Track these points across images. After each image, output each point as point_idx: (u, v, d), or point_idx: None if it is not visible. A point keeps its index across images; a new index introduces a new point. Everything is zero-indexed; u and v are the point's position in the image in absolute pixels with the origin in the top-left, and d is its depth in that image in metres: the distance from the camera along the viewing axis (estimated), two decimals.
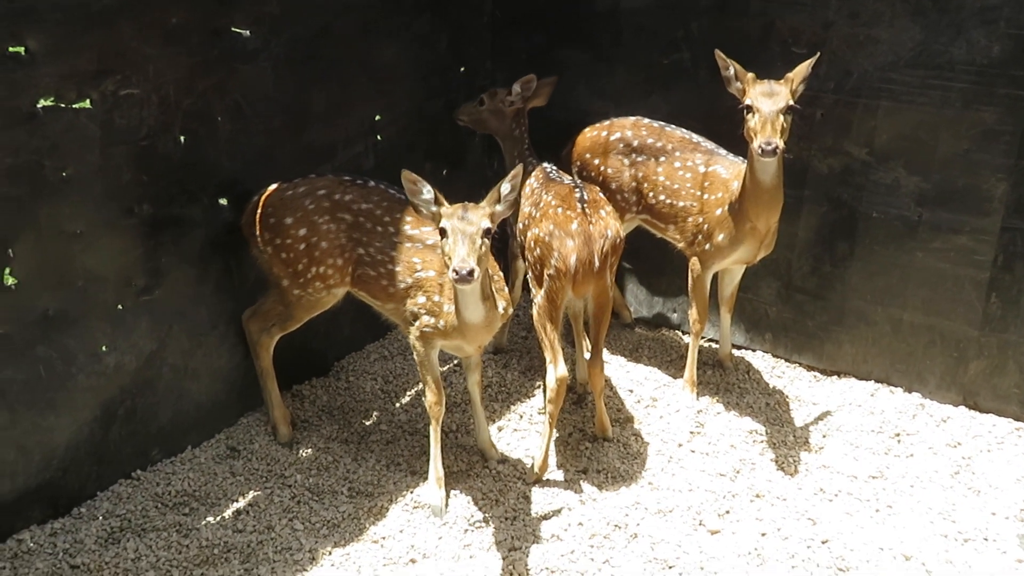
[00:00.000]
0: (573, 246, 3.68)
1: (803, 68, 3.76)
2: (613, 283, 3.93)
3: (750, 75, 3.74)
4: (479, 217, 3.14)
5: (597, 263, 3.70)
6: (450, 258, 3.08)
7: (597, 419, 4.08)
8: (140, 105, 3.48)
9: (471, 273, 3.01)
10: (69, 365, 3.45)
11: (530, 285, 3.96)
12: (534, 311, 3.84)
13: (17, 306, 3.26)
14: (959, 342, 4.26)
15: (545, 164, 4.28)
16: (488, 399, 4.37)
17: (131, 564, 3.30)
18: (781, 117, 3.65)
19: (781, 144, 3.64)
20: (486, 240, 3.14)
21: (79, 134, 3.32)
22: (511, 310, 3.69)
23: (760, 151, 3.62)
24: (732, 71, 3.79)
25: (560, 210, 3.78)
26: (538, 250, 3.78)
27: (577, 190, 3.90)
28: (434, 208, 3.21)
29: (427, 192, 3.21)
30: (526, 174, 4.26)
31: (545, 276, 3.75)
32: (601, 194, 4.03)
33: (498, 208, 3.24)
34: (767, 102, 3.65)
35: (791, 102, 3.67)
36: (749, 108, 3.70)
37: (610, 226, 3.79)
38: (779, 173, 3.85)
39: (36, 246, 3.27)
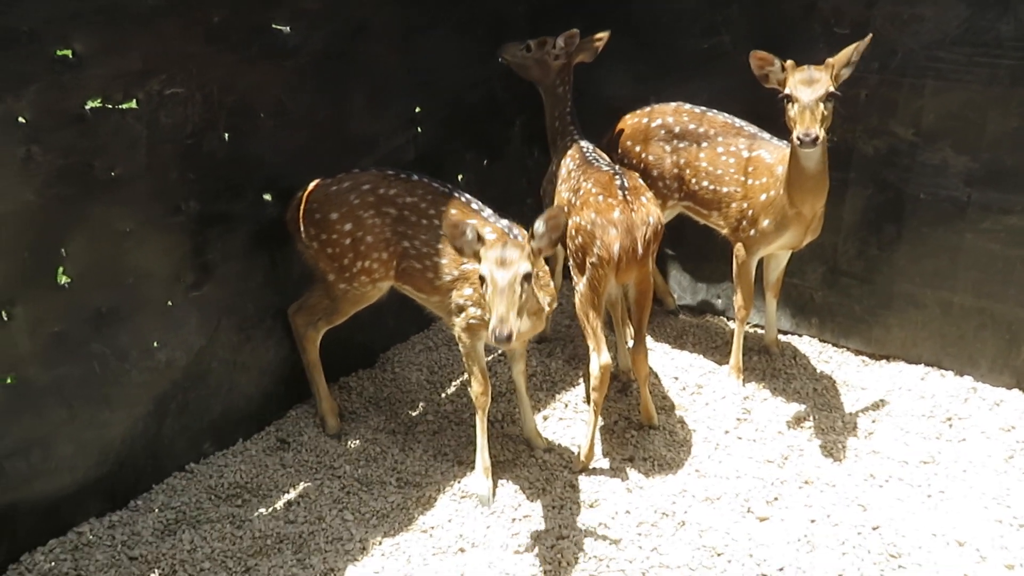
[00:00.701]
0: (616, 235, 3.67)
1: (846, 53, 3.68)
2: (655, 269, 3.92)
3: (789, 63, 3.68)
4: (518, 259, 3.09)
5: (640, 251, 3.69)
6: (489, 312, 3.09)
7: (642, 407, 4.08)
8: (185, 104, 3.53)
9: (510, 336, 2.98)
10: (122, 361, 3.52)
11: (571, 273, 3.94)
12: (576, 300, 3.84)
13: (71, 304, 3.33)
14: (1011, 324, 4.18)
15: (583, 143, 4.23)
16: (533, 388, 4.39)
17: (187, 555, 3.37)
18: (822, 105, 3.60)
19: (821, 134, 3.59)
20: (526, 285, 3.10)
21: (126, 134, 3.38)
22: (555, 304, 3.67)
23: (799, 142, 3.58)
24: (776, 66, 3.72)
25: (601, 198, 3.77)
26: (580, 239, 3.77)
27: (617, 176, 3.87)
28: (477, 247, 3.17)
29: (469, 233, 3.16)
30: (564, 149, 4.26)
31: (587, 264, 3.74)
32: (640, 180, 4.01)
33: (535, 245, 3.19)
34: (806, 91, 3.60)
35: (832, 89, 3.62)
36: (789, 97, 3.65)
37: (651, 212, 3.77)
38: (823, 159, 3.80)
39: (88, 245, 3.34)
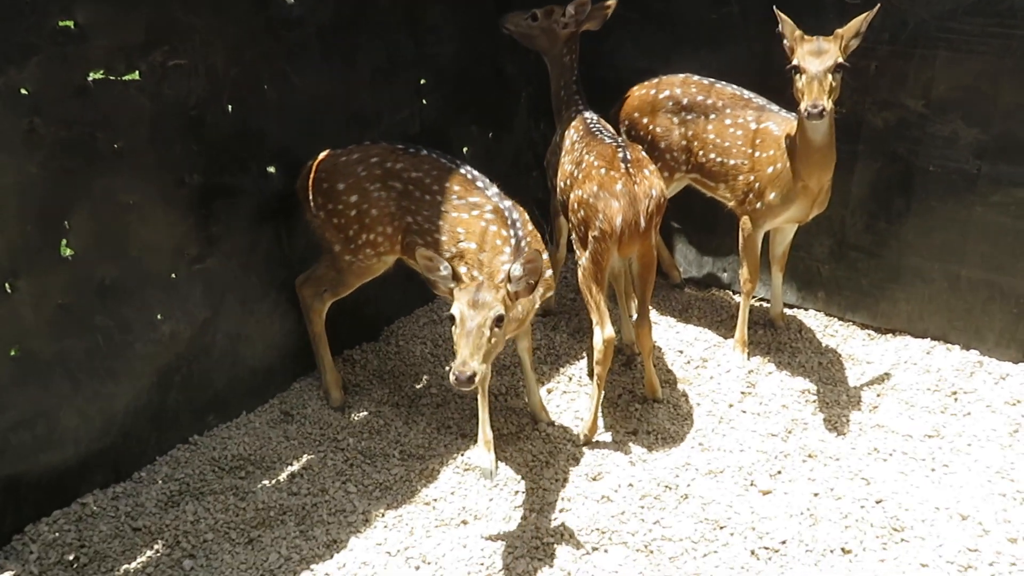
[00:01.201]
0: (618, 207, 3.64)
1: (855, 23, 3.64)
2: (660, 242, 3.90)
3: (798, 33, 3.64)
4: (491, 301, 2.99)
5: (643, 224, 3.67)
6: (454, 353, 2.98)
7: (646, 380, 4.07)
8: (188, 76, 3.51)
9: (471, 379, 2.88)
10: (126, 334, 3.53)
11: (574, 246, 3.92)
12: (579, 273, 3.82)
13: (75, 276, 3.34)
14: (1019, 298, 4.15)
15: (587, 113, 4.20)
16: (537, 362, 4.39)
17: (190, 526, 3.39)
18: (830, 76, 3.56)
19: (828, 105, 3.56)
20: (497, 329, 3.00)
21: (130, 106, 3.37)
22: (550, 294, 3.65)
23: (806, 114, 3.55)
24: (782, 27, 3.69)
25: (604, 171, 3.74)
26: (582, 212, 3.75)
27: (620, 149, 3.84)
28: (451, 285, 3.08)
29: (444, 269, 3.06)
30: (568, 120, 4.23)
31: (590, 238, 3.72)
32: (643, 152, 3.98)
33: (512, 288, 3.09)
34: (814, 62, 3.56)
35: (840, 60, 3.57)
36: (796, 68, 3.61)
37: (654, 185, 3.75)
38: (830, 132, 3.76)
39: (91, 218, 3.34)
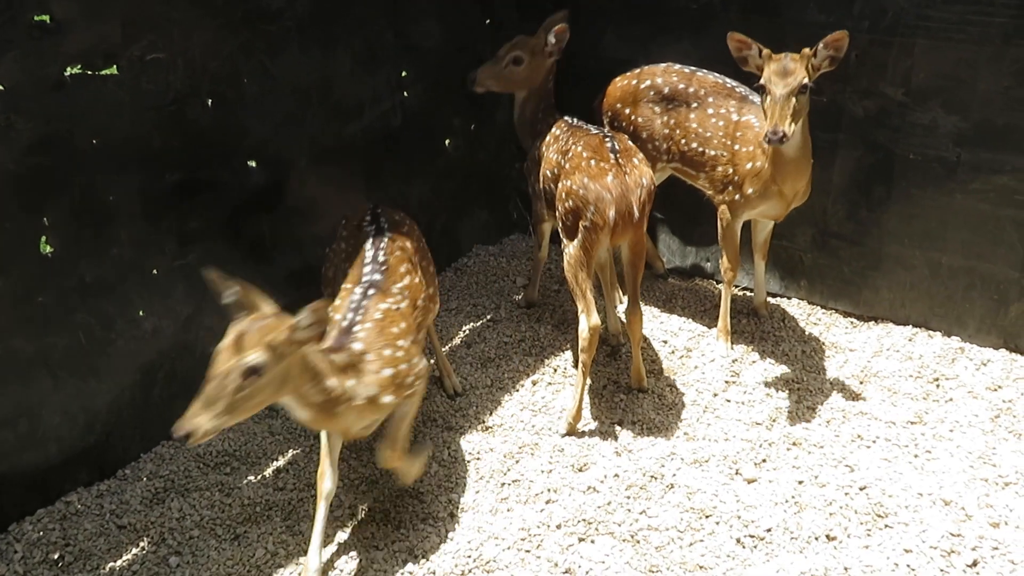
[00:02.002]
0: (611, 199, 3.65)
1: (826, 44, 3.60)
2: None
3: (766, 51, 3.64)
4: (248, 349, 2.55)
5: (636, 214, 3.69)
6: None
7: (633, 369, 4.08)
8: (167, 70, 3.48)
9: (187, 437, 2.49)
10: (108, 331, 3.50)
11: (561, 236, 3.92)
12: (565, 261, 3.82)
13: (55, 274, 3.31)
14: (999, 284, 4.18)
15: (566, 116, 4.22)
16: (522, 353, 4.39)
17: (176, 523, 3.38)
18: (794, 99, 3.56)
19: (789, 131, 3.55)
20: (254, 377, 2.55)
21: (108, 101, 3.34)
22: (420, 385, 3.26)
23: (767, 139, 3.57)
24: (754, 50, 3.68)
25: (593, 162, 3.74)
26: (571, 202, 3.75)
27: (607, 140, 3.85)
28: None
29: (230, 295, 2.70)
30: (545, 130, 4.22)
31: (580, 228, 3.72)
32: (630, 142, 3.99)
33: (299, 336, 2.62)
34: (779, 84, 3.56)
35: (806, 81, 3.57)
36: (762, 88, 3.62)
37: (644, 174, 3.76)
38: (803, 144, 3.81)
39: (70, 214, 3.31)
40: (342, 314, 3.13)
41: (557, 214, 3.92)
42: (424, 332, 3.53)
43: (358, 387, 2.94)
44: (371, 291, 3.22)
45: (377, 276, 3.28)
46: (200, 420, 2.50)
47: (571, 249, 3.79)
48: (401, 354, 3.12)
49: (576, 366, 4.02)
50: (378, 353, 3.05)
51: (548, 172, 4.06)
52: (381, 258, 3.35)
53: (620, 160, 3.73)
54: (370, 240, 3.44)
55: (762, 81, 3.62)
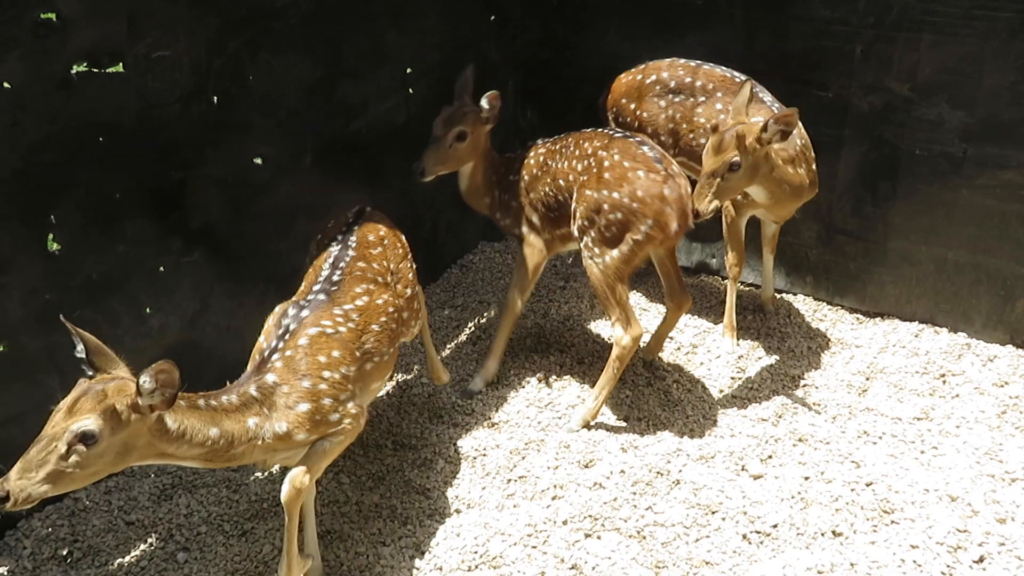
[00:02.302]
0: (672, 212, 3.65)
1: (776, 120, 3.53)
2: None
3: (713, 123, 3.61)
4: (80, 416, 2.32)
5: (691, 221, 3.69)
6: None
7: (659, 338, 4.21)
8: (172, 67, 3.48)
9: (4, 499, 2.25)
10: (115, 328, 3.51)
11: (591, 243, 3.77)
12: (602, 270, 3.74)
13: (61, 271, 3.32)
14: (1006, 280, 4.18)
15: (538, 139, 4.13)
16: (528, 350, 4.40)
17: (184, 519, 3.39)
18: (718, 178, 3.55)
19: (705, 209, 3.56)
20: (80, 448, 2.31)
21: (114, 99, 3.34)
22: (354, 428, 2.99)
23: (693, 215, 3.61)
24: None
25: (642, 173, 3.68)
26: (617, 214, 3.66)
27: (643, 146, 3.79)
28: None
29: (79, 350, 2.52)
30: (508, 169, 4.10)
31: (628, 240, 3.68)
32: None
33: (144, 402, 2.39)
34: (707, 160, 3.56)
35: (735, 160, 3.51)
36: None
37: (682, 174, 3.79)
38: (773, 191, 3.82)
39: (77, 212, 3.31)
40: (269, 337, 2.98)
41: (591, 224, 3.76)
42: (387, 355, 3.20)
43: (264, 423, 2.73)
44: (304, 312, 3.01)
45: (321, 296, 3.07)
46: (20, 483, 2.25)
47: (609, 259, 3.73)
48: (324, 387, 2.85)
49: (610, 371, 3.91)
50: (293, 385, 2.81)
51: (562, 181, 3.90)
52: (335, 276, 3.16)
53: (666, 168, 3.72)
54: (333, 252, 3.29)
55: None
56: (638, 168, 3.71)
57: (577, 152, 3.90)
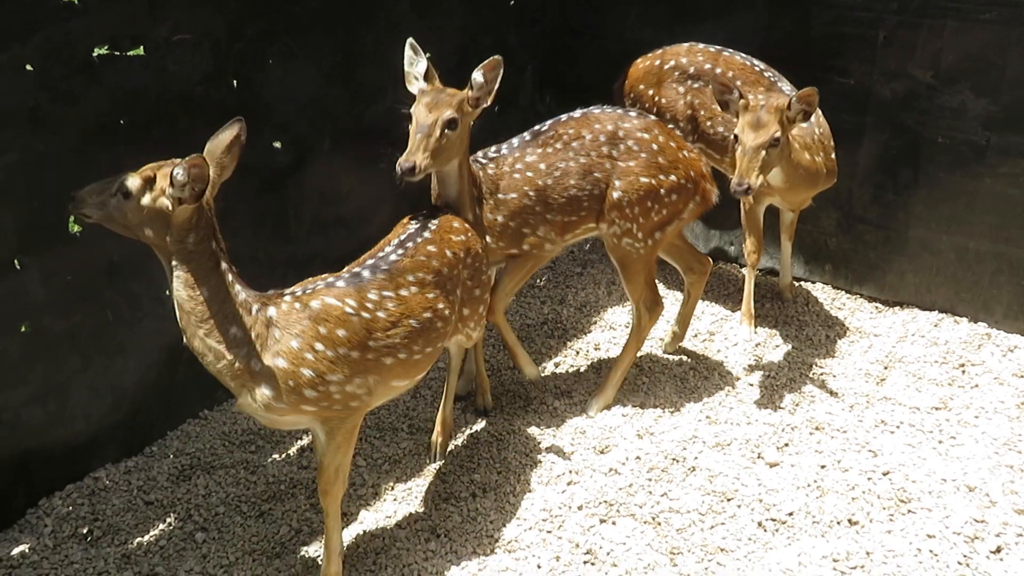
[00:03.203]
0: (711, 188, 3.80)
1: (798, 99, 3.54)
2: None
3: (743, 101, 3.60)
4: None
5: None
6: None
7: (686, 315, 4.21)
8: (192, 51, 3.50)
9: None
10: (135, 309, 3.54)
11: (634, 230, 3.69)
12: (643, 253, 3.73)
13: (83, 253, 3.34)
14: None
15: (525, 134, 3.76)
16: (544, 335, 4.40)
17: (202, 500, 3.42)
18: (763, 152, 3.53)
19: (755, 183, 3.53)
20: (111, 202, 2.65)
21: (134, 82, 3.36)
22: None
23: (733, 190, 3.56)
24: (735, 95, 3.63)
25: (685, 152, 3.76)
26: (674, 196, 3.69)
27: (665, 126, 3.85)
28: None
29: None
30: (492, 165, 3.63)
31: (676, 220, 3.77)
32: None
33: (173, 194, 2.63)
34: (751, 135, 3.54)
35: (777, 135, 3.53)
36: (736, 137, 3.61)
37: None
38: (789, 176, 3.84)
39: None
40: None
41: (629, 212, 3.68)
42: (419, 355, 3.03)
43: (244, 343, 2.71)
44: (341, 281, 2.92)
45: (366, 272, 2.96)
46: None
47: (651, 241, 3.74)
48: (310, 356, 2.73)
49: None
50: (284, 334, 2.75)
51: (578, 180, 3.66)
52: (393, 256, 3.03)
53: (693, 149, 3.85)
54: (406, 231, 3.17)
55: (736, 130, 3.61)
56: (682, 148, 3.77)
57: (600, 138, 3.70)
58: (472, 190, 3.49)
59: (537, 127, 3.76)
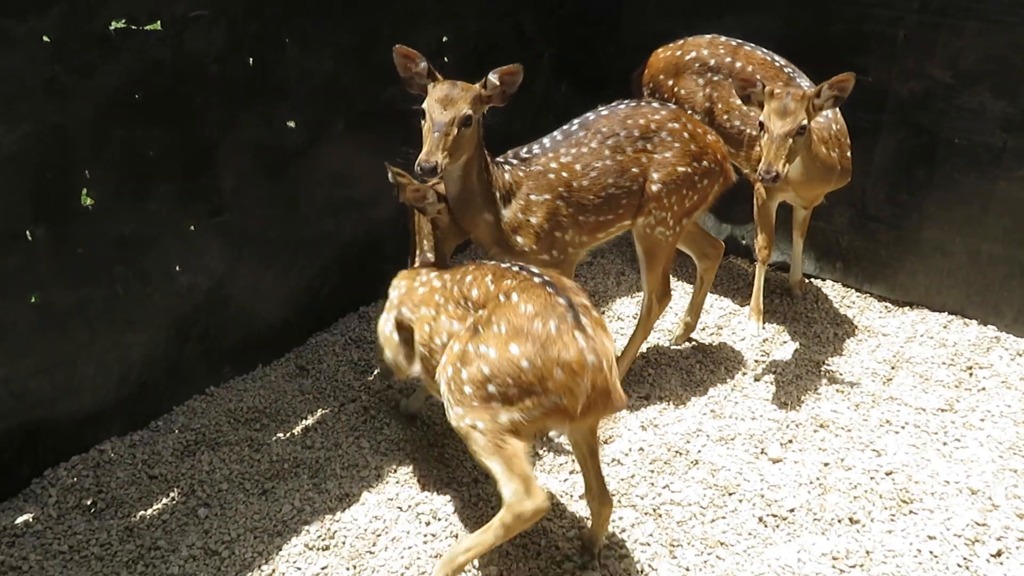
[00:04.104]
0: (731, 168, 3.90)
1: (830, 84, 3.56)
2: None
3: (768, 88, 3.59)
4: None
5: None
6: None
7: (697, 306, 4.24)
8: (209, 28, 3.49)
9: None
10: (145, 284, 3.55)
11: (667, 219, 3.70)
12: (669, 240, 3.76)
13: (94, 226, 3.35)
14: None
15: (555, 132, 3.71)
16: None
17: (206, 476, 3.44)
18: (791, 140, 3.53)
19: (783, 171, 3.53)
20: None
21: (150, 57, 3.35)
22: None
23: (760, 177, 3.55)
24: (758, 87, 3.64)
25: (710, 137, 3.81)
26: (705, 181, 3.75)
27: (690, 118, 3.87)
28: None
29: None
30: (508, 167, 3.56)
31: (703, 207, 3.85)
32: None
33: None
34: (777, 123, 3.54)
35: (805, 122, 3.54)
36: (762, 125, 3.59)
37: None
38: (806, 168, 3.82)
39: (111, 168, 3.34)
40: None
41: (666, 202, 3.66)
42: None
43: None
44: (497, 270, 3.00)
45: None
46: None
47: (678, 228, 3.78)
48: (430, 313, 3.09)
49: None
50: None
51: (616, 178, 3.61)
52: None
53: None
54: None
55: (761, 118, 3.59)
56: (708, 132, 3.80)
57: (635, 133, 3.65)
58: (489, 191, 3.43)
59: (567, 127, 3.71)
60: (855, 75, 3.52)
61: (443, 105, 3.19)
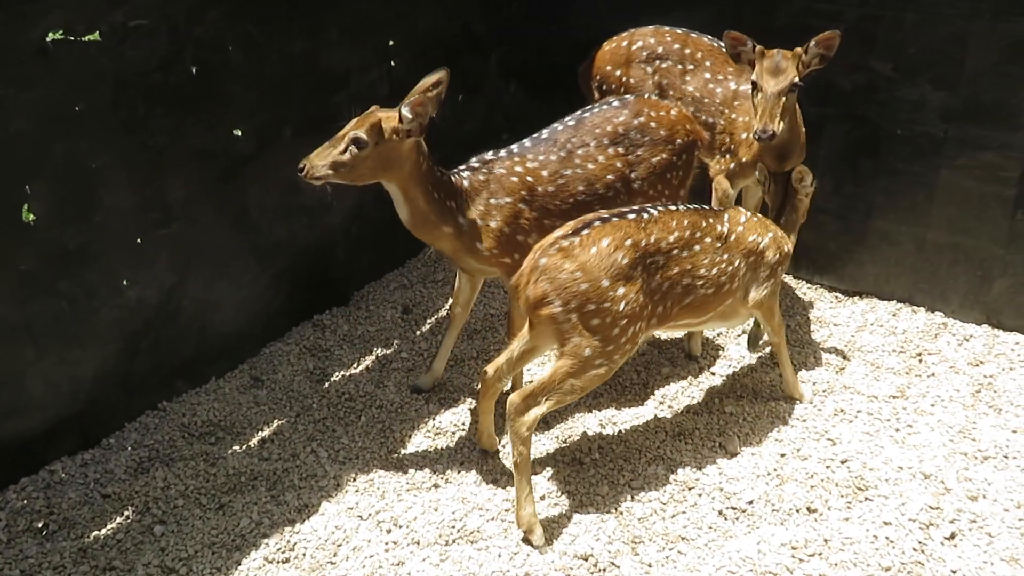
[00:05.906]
0: (700, 127, 3.98)
1: (816, 42, 3.59)
2: None
3: (759, 48, 3.63)
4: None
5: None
6: None
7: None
8: (150, 36, 3.44)
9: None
10: (92, 299, 3.48)
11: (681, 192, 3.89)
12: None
13: (38, 242, 3.28)
14: (983, 260, 4.21)
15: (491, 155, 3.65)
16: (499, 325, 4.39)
17: (160, 492, 3.38)
18: (784, 98, 3.57)
19: (778, 129, 3.57)
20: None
21: (90, 67, 3.30)
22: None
23: (756, 136, 3.58)
24: (748, 46, 3.65)
25: (673, 113, 3.85)
26: (684, 156, 3.83)
27: (648, 103, 3.89)
28: None
29: None
30: (468, 182, 3.51)
31: (692, 173, 3.95)
32: None
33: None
34: (771, 81, 3.57)
35: (797, 79, 3.58)
36: (755, 84, 3.62)
37: None
38: (788, 132, 3.78)
39: (53, 182, 3.28)
40: None
41: (648, 198, 3.72)
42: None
43: None
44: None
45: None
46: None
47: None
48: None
49: None
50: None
51: (586, 186, 3.62)
52: None
53: None
54: None
55: (753, 77, 3.62)
56: (666, 109, 3.85)
57: (604, 141, 3.67)
58: (443, 205, 3.43)
59: (537, 134, 3.70)
60: (840, 33, 3.55)
61: (356, 121, 3.28)
